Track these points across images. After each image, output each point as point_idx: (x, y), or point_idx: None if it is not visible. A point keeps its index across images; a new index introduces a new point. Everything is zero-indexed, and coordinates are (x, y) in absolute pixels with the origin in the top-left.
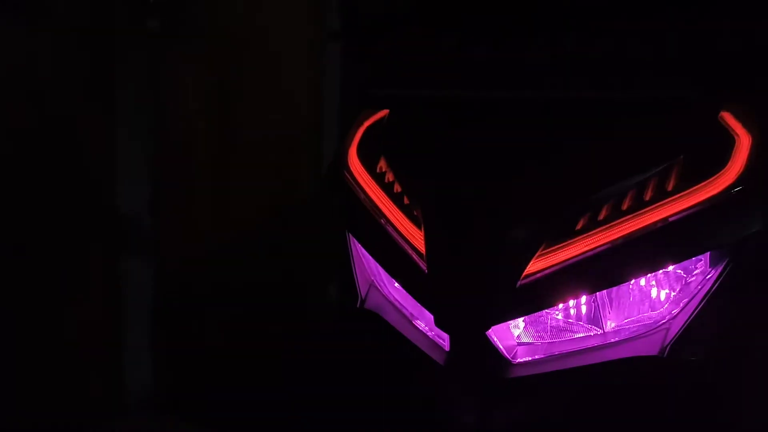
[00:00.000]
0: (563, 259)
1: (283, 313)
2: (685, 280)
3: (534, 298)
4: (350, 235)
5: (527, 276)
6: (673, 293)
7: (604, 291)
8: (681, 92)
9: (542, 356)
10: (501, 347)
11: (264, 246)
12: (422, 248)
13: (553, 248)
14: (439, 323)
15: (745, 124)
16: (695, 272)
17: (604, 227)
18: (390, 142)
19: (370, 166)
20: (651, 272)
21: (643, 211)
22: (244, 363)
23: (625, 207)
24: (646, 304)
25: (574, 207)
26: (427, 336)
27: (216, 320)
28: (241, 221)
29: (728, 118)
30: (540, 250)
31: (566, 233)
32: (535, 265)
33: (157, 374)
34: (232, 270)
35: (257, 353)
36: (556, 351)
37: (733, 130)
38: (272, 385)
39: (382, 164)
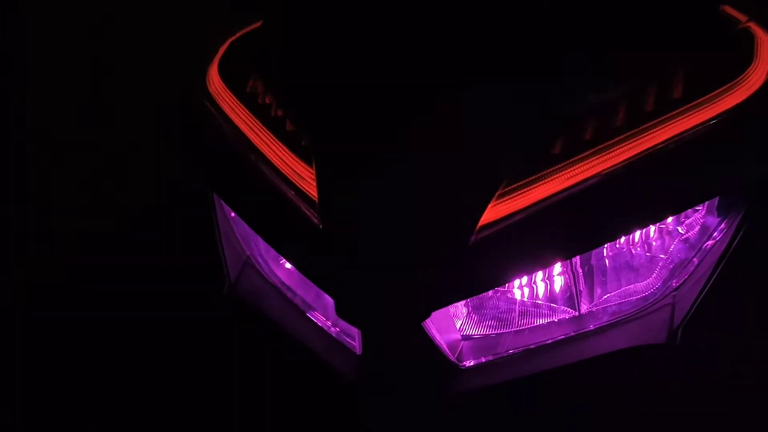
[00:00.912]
0: (537, 199)
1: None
2: (681, 236)
3: (497, 263)
4: (212, 188)
5: (484, 227)
6: (661, 255)
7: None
8: None
9: (499, 356)
10: (444, 346)
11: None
12: (314, 193)
13: (521, 183)
14: (344, 312)
15: (754, 17)
16: (686, 223)
17: (594, 150)
18: (265, 54)
19: (238, 88)
20: (669, 216)
21: (646, 125)
22: None
23: (619, 122)
24: (631, 271)
25: (547, 121)
26: (328, 334)
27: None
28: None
29: (731, 11)
30: (501, 187)
31: (539, 160)
32: (495, 211)
33: None
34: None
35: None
36: (514, 347)
37: (743, 23)
38: None
39: (256, 83)
